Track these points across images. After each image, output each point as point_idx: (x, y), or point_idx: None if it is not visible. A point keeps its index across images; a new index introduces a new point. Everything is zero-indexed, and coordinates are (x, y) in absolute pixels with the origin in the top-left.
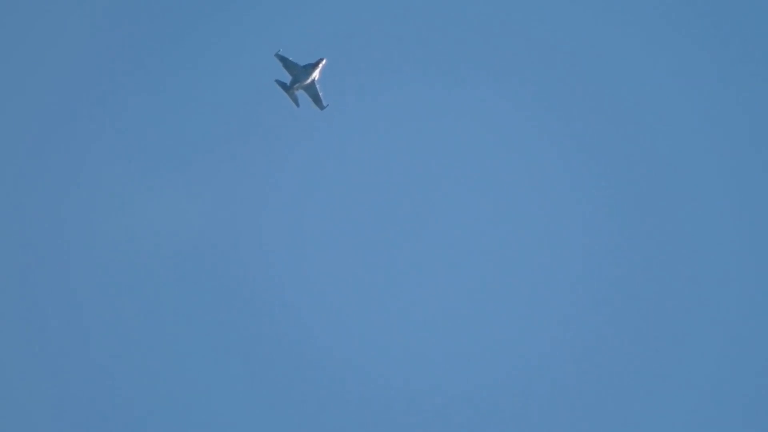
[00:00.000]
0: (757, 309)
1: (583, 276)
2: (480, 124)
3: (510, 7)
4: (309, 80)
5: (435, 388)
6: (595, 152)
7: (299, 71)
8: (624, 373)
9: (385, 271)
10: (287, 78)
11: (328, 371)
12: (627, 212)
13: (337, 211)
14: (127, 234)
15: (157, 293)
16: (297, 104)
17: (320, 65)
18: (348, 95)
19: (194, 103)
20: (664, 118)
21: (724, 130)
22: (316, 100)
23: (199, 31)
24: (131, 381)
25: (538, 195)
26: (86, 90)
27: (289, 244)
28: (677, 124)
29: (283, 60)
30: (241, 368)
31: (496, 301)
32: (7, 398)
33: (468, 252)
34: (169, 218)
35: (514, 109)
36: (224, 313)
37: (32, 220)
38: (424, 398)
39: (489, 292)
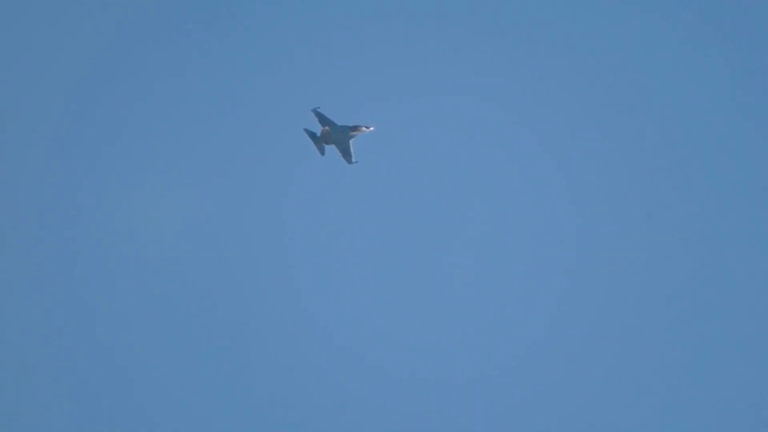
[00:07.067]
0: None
1: (582, 275)
2: (473, 126)
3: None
4: (344, 138)
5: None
6: (596, 153)
7: (335, 129)
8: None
9: (386, 270)
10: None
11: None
12: (627, 213)
13: (337, 212)
14: (139, 234)
15: (166, 295)
16: (322, 153)
17: (362, 130)
18: (347, 100)
19: (211, 101)
20: (665, 116)
21: (719, 131)
22: (346, 155)
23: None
24: (135, 382)
25: (542, 198)
26: (106, 90)
27: (296, 246)
28: (676, 120)
29: (320, 116)
30: (243, 369)
31: (501, 299)
32: (6, 396)
33: (468, 252)
34: (188, 218)
35: (510, 110)
36: (234, 315)
37: (49, 218)
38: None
39: (493, 290)
